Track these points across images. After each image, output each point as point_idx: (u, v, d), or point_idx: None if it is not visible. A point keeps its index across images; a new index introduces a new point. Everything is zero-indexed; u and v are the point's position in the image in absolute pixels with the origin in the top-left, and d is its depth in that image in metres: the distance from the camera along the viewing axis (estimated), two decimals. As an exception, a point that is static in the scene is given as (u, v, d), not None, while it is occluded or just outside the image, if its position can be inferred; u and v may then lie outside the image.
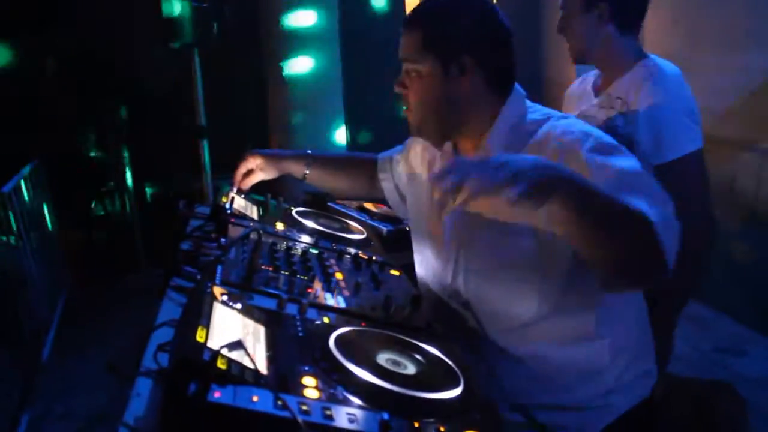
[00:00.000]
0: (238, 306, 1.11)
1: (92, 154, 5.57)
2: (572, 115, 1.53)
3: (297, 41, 5.07)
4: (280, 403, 0.85)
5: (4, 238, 3.80)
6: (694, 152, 1.82)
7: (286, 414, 0.84)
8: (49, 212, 4.84)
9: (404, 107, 1.52)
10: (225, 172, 1.96)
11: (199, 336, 0.94)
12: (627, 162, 1.25)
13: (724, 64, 3.91)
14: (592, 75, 2.10)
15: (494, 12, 1.46)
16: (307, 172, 1.92)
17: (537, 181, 1.00)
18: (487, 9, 1.46)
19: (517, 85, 1.51)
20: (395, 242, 1.93)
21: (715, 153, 4.10)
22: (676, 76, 1.87)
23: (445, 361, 1.13)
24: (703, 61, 4.05)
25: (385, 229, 1.98)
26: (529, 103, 1.51)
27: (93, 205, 5.19)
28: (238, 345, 0.94)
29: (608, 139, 1.33)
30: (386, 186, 1.89)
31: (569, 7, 1.94)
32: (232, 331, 1.02)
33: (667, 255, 1.09)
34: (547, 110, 1.51)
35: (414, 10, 1.49)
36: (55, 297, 4.44)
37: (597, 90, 2.03)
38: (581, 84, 2.14)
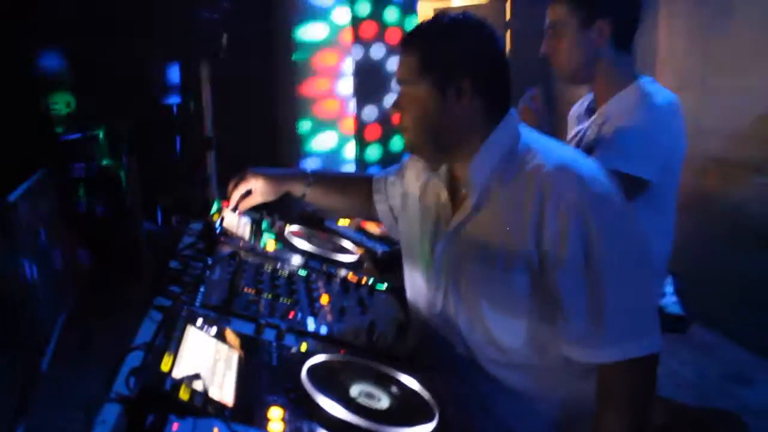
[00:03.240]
0: (213, 330, 1.08)
1: (99, 163, 5.59)
2: (564, 142, 1.49)
3: (309, 53, 5.09)
4: (238, 437, 0.83)
5: (9, 247, 3.81)
6: (627, 174, 1.71)
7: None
8: (54, 221, 4.85)
9: (401, 127, 1.50)
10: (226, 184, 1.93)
11: (165, 364, 0.92)
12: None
13: (739, 86, 3.88)
14: (590, 96, 2.05)
15: (492, 35, 1.44)
16: (307, 191, 1.90)
17: None
18: (485, 32, 1.43)
19: (512, 111, 1.48)
20: (390, 263, 1.90)
21: (727, 176, 4.09)
22: (669, 106, 1.82)
23: (420, 395, 1.10)
24: (718, 84, 4.02)
25: (380, 249, 1.96)
26: (526, 129, 1.48)
27: (99, 215, 5.20)
28: (203, 374, 0.91)
29: (598, 188, 1.31)
30: (380, 207, 1.87)
31: (564, 25, 1.86)
32: (204, 357, 1.00)
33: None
34: (543, 138, 1.48)
35: (412, 32, 1.47)
36: (58, 306, 4.44)
37: (592, 110, 1.97)
38: (580, 106, 2.10)
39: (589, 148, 1.80)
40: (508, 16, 6.51)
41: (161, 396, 0.86)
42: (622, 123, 1.76)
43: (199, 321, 1.09)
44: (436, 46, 1.41)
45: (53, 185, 5.01)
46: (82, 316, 4.57)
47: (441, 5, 6.85)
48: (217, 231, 1.66)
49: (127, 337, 1.24)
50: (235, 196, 1.87)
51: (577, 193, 1.29)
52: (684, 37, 4.37)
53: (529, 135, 1.47)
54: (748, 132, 3.82)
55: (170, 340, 0.99)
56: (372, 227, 2.19)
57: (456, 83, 1.39)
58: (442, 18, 1.45)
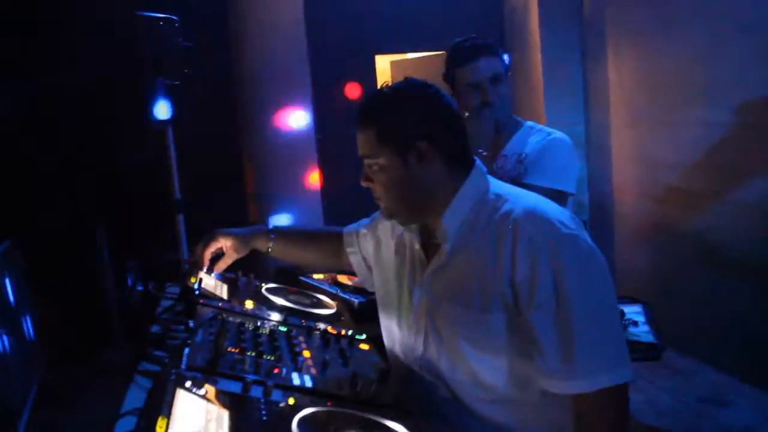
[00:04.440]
0: (202, 392, 1.11)
1: (67, 229, 5.54)
2: (527, 191, 1.57)
3: (271, 108, 5.17)
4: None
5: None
6: (549, 189, 1.97)
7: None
8: (22, 290, 4.78)
9: (375, 197, 1.56)
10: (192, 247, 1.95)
11: (159, 427, 0.94)
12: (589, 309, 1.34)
13: (689, 119, 4.04)
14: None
15: (439, 94, 1.51)
16: (270, 246, 1.94)
17: None
18: (432, 93, 1.50)
19: (478, 162, 1.55)
20: (367, 313, 1.94)
21: (688, 205, 4.22)
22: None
23: (408, 440, 1.14)
24: (667, 118, 4.18)
25: (356, 301, 2.00)
26: (490, 178, 1.56)
27: (67, 282, 5.13)
28: (196, 436, 0.94)
29: (568, 230, 1.38)
30: (354, 259, 1.92)
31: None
32: (195, 418, 1.02)
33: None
34: (508, 186, 1.56)
35: (363, 108, 1.53)
36: (29, 377, 4.34)
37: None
38: None
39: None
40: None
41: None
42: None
43: (188, 383, 1.12)
44: (389, 116, 1.48)
45: (22, 252, 4.95)
46: (55, 387, 4.48)
47: (397, 58, 7.00)
48: (196, 293, 1.68)
49: (111, 404, 1.26)
50: (207, 256, 1.90)
51: (546, 235, 1.35)
52: (632, 76, 4.56)
53: (497, 184, 1.55)
54: (703, 162, 3.96)
55: (162, 404, 1.02)
56: (345, 280, 2.22)
57: (414, 148, 1.45)
58: (387, 90, 1.52)
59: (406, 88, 1.52)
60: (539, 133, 2.26)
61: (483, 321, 1.40)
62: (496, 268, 1.37)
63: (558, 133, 2.25)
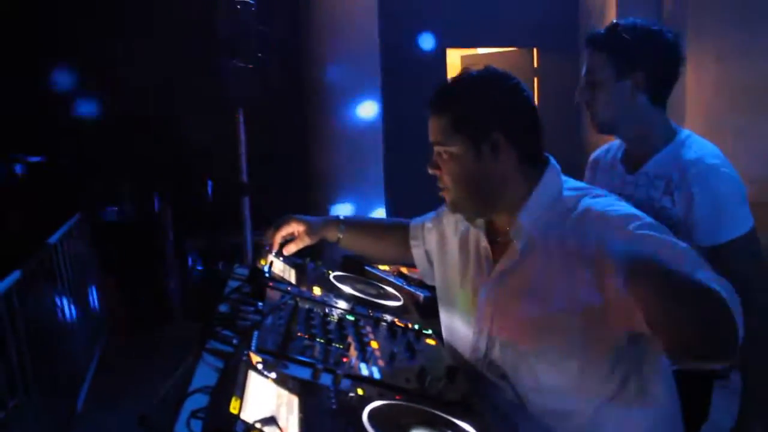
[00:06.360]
0: (273, 375, 1.11)
1: (135, 208, 5.70)
2: (606, 191, 1.51)
3: (341, 97, 5.20)
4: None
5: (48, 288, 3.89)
6: (751, 230, 1.77)
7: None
8: (90, 263, 4.94)
9: (441, 187, 1.53)
10: (265, 229, 1.97)
11: (233, 407, 0.94)
12: (678, 241, 1.24)
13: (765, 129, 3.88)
14: (617, 144, 2.03)
15: (519, 87, 1.47)
16: (340, 236, 1.94)
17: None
18: (511, 84, 1.47)
19: (552, 160, 1.51)
20: (432, 308, 1.91)
21: (763, 219, 4.04)
22: (720, 155, 1.83)
23: (479, 441, 1.11)
24: (749, 127, 4.01)
25: (422, 295, 1.98)
26: (564, 177, 1.51)
27: (132, 259, 5.28)
28: (271, 419, 0.93)
29: (652, 219, 1.32)
30: (416, 252, 1.90)
31: (598, 75, 1.85)
32: (266, 401, 1.02)
33: (739, 331, 1.09)
34: (582, 184, 1.52)
35: (440, 93, 1.50)
36: (91, 347, 4.50)
37: (625, 164, 1.95)
38: (608, 153, 2.07)
39: (653, 208, 1.79)
40: (536, 64, 6.59)
41: (233, 439, 0.88)
42: (706, 183, 1.76)
43: (259, 366, 1.11)
44: (465, 105, 1.45)
45: (89, 229, 5.13)
46: (115, 358, 4.63)
47: (468, 53, 6.94)
48: (267, 276, 1.69)
49: (184, 379, 1.27)
50: (278, 240, 1.91)
51: (629, 220, 1.29)
52: (712, 80, 4.39)
53: (571, 182, 1.51)
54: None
55: (235, 385, 1.01)
56: (410, 273, 2.20)
57: (489, 139, 1.42)
58: (466, 76, 1.49)
59: (486, 77, 1.48)
60: None
61: (558, 321, 1.37)
62: (579, 268, 1.32)
63: None
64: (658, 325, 1.13)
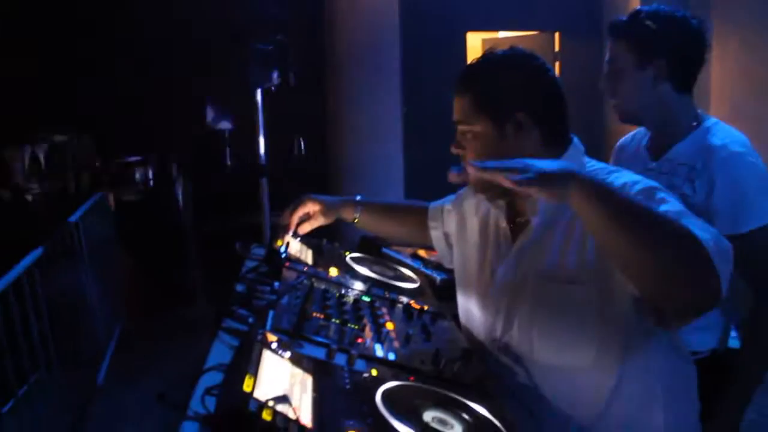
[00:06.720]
0: (287, 354, 1.11)
1: (154, 188, 5.74)
2: (628, 171, 1.50)
3: (361, 82, 5.18)
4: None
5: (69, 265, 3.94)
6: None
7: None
8: (111, 242, 4.99)
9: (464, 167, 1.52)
10: (283, 210, 1.97)
11: (247, 385, 0.95)
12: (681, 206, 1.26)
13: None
14: (643, 131, 2.00)
15: (544, 67, 1.47)
16: (357, 216, 1.94)
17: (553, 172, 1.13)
18: (536, 65, 1.46)
19: (576, 140, 1.50)
20: (449, 291, 1.91)
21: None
22: (747, 143, 1.79)
23: (493, 423, 1.11)
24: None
25: (438, 277, 1.98)
26: (587, 158, 1.50)
27: (152, 239, 5.33)
28: (284, 398, 0.94)
29: (658, 184, 1.34)
30: (435, 234, 1.89)
31: (619, 63, 1.82)
32: (280, 379, 1.02)
33: (721, 278, 1.09)
34: (604, 165, 1.50)
35: (464, 73, 1.50)
36: (112, 324, 4.55)
37: (650, 151, 1.92)
38: (633, 140, 2.04)
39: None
40: (557, 48, 6.52)
41: (246, 416, 0.88)
42: (729, 171, 1.71)
43: (274, 344, 1.12)
44: (489, 84, 1.45)
45: (110, 208, 5.19)
46: (135, 334, 4.68)
47: (489, 36, 6.89)
48: (283, 256, 1.70)
49: (200, 357, 1.28)
50: (294, 220, 1.92)
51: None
52: (735, 67, 4.32)
53: (593, 163, 1.50)
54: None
55: (249, 362, 1.02)
56: (427, 255, 2.20)
57: (512, 118, 1.42)
58: (491, 56, 1.49)
59: (510, 57, 1.48)
60: None
61: (572, 295, 1.37)
62: (588, 239, 1.34)
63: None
64: (631, 263, 1.16)
